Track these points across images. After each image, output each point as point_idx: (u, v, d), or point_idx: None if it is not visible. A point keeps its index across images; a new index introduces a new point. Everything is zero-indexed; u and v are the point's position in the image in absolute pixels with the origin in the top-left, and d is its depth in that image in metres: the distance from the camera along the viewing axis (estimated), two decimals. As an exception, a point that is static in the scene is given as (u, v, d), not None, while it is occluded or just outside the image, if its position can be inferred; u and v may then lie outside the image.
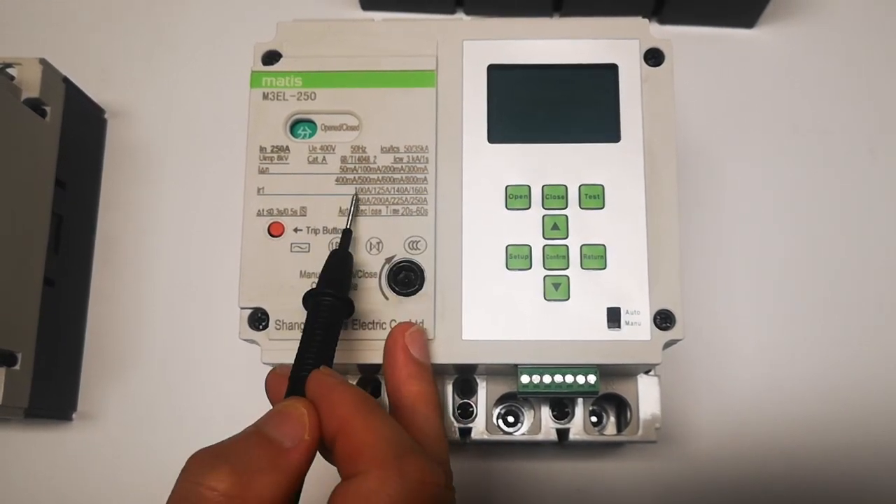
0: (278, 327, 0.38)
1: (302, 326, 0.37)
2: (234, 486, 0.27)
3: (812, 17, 0.58)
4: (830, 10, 0.58)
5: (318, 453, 0.31)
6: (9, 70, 0.49)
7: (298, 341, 0.34)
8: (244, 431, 0.30)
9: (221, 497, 0.27)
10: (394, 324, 0.38)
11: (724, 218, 0.54)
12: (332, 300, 0.34)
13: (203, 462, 0.28)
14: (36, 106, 0.49)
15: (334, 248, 0.38)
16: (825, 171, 0.55)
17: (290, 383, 0.33)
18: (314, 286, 0.36)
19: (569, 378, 0.38)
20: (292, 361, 0.38)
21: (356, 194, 0.39)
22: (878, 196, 0.54)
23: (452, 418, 0.42)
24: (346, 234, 0.37)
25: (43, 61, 0.49)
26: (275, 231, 0.38)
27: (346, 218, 0.38)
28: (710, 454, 0.50)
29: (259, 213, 0.39)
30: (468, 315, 0.38)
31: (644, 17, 0.41)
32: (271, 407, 0.32)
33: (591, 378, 0.38)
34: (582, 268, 0.38)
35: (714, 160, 0.55)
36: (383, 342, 0.36)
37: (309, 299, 0.35)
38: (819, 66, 0.57)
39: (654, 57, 0.40)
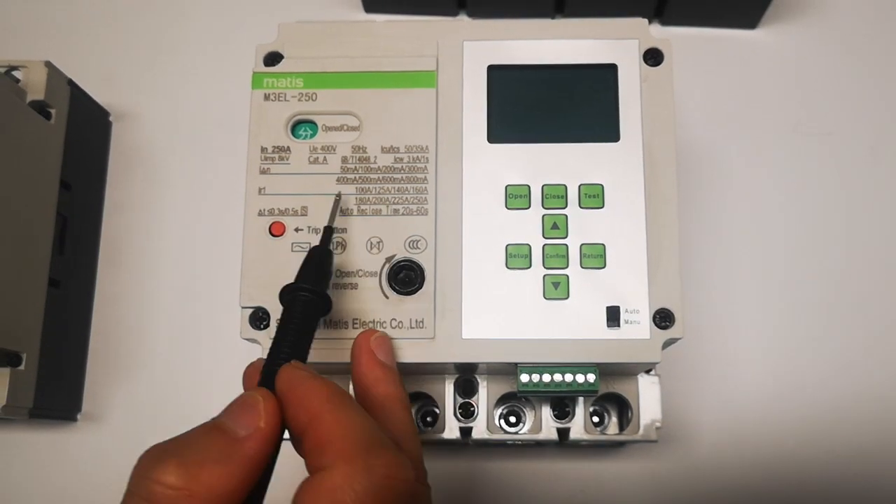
0: (279, 326, 0.38)
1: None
2: (182, 478, 0.27)
3: (814, 17, 0.58)
4: (832, 11, 0.58)
5: (295, 450, 0.31)
6: (14, 73, 0.49)
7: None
8: (199, 425, 0.30)
9: (169, 490, 0.27)
10: (394, 323, 0.38)
11: (725, 218, 0.54)
12: (308, 295, 0.34)
13: (152, 456, 0.28)
14: (41, 108, 0.50)
15: (334, 247, 0.38)
16: (827, 172, 0.55)
17: (262, 377, 0.32)
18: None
19: (568, 377, 0.38)
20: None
21: (339, 194, 0.38)
22: (879, 196, 0.54)
23: (454, 418, 0.43)
24: (328, 232, 0.37)
25: (48, 64, 0.50)
26: (276, 231, 0.39)
27: (331, 216, 0.38)
28: (710, 454, 0.50)
29: (260, 213, 0.39)
30: (468, 314, 0.38)
31: (646, 18, 0.41)
32: None
33: (591, 377, 0.38)
34: (581, 267, 0.38)
35: (716, 161, 0.55)
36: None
37: (285, 295, 0.35)
38: (821, 67, 0.57)
39: (653, 57, 0.40)
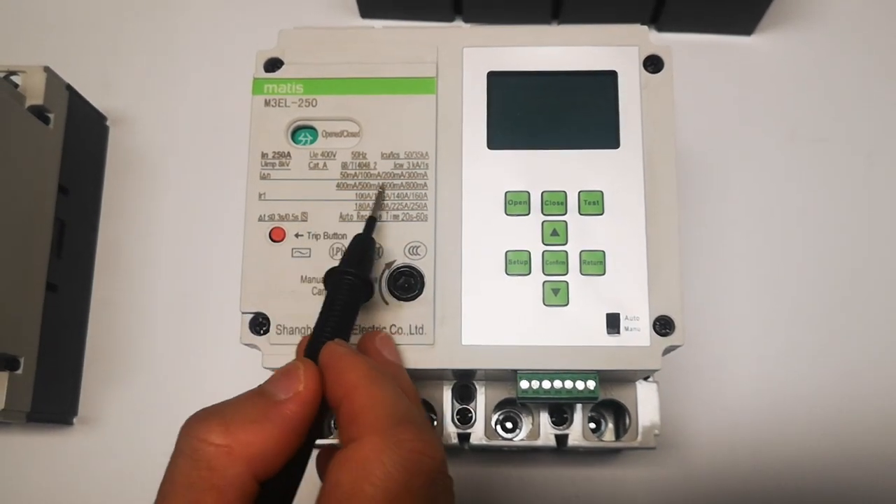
0: (279, 332, 0.38)
1: (303, 332, 0.38)
2: (222, 435, 0.29)
3: (810, 24, 0.58)
4: (828, 18, 0.58)
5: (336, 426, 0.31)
6: (13, 77, 0.49)
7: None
8: (245, 392, 0.31)
9: (210, 447, 0.28)
10: (394, 329, 0.38)
11: (722, 225, 0.54)
12: (353, 279, 0.35)
13: (198, 418, 0.30)
14: (40, 113, 0.50)
15: (334, 252, 0.38)
16: (823, 178, 0.55)
17: (305, 353, 0.33)
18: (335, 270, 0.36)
19: (568, 384, 0.38)
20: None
21: (383, 185, 0.39)
22: (876, 203, 0.54)
23: (451, 424, 0.43)
24: (371, 222, 0.38)
25: (47, 69, 0.50)
26: (276, 236, 0.39)
27: (375, 207, 0.38)
28: (709, 461, 0.50)
29: (260, 219, 0.39)
30: (468, 320, 0.38)
31: (642, 24, 0.41)
32: None
33: (591, 384, 0.38)
34: (581, 273, 0.38)
35: (712, 167, 0.55)
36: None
37: (330, 277, 0.35)
38: (817, 74, 0.57)
39: (653, 64, 0.40)
